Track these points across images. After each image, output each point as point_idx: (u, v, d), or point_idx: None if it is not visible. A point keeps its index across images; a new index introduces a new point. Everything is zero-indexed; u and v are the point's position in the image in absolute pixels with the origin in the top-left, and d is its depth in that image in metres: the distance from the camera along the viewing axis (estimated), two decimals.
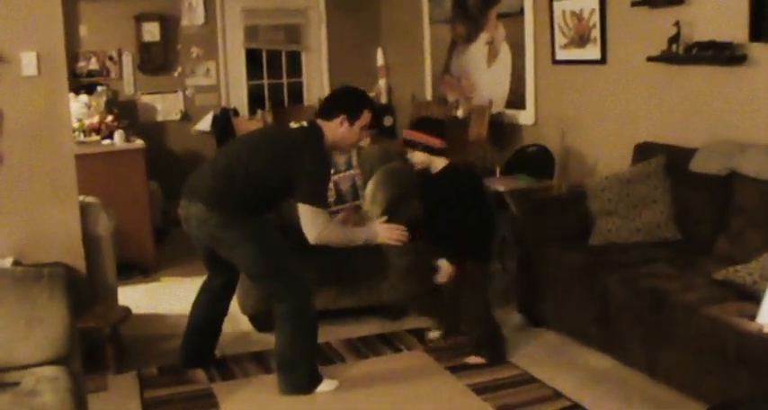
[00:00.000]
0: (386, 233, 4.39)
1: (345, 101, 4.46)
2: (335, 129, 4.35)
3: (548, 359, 4.74)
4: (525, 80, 6.95)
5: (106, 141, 6.73)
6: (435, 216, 4.72)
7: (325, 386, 4.39)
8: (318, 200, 4.22)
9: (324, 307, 4.99)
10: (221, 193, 4.28)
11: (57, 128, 4.44)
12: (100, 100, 7.35)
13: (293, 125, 4.46)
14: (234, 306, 4.93)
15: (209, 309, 4.72)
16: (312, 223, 4.16)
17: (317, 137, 4.33)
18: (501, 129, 7.20)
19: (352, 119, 4.37)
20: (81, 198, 4.69)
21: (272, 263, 4.29)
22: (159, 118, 8.64)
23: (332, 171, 4.98)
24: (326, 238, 4.21)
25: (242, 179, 4.26)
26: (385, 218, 4.60)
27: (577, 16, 6.20)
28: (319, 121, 4.41)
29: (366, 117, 4.42)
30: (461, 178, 4.70)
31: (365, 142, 6.79)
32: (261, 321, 5.20)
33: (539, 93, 6.83)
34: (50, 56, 4.37)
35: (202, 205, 4.28)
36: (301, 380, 4.36)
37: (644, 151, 5.28)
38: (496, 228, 4.97)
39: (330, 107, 4.45)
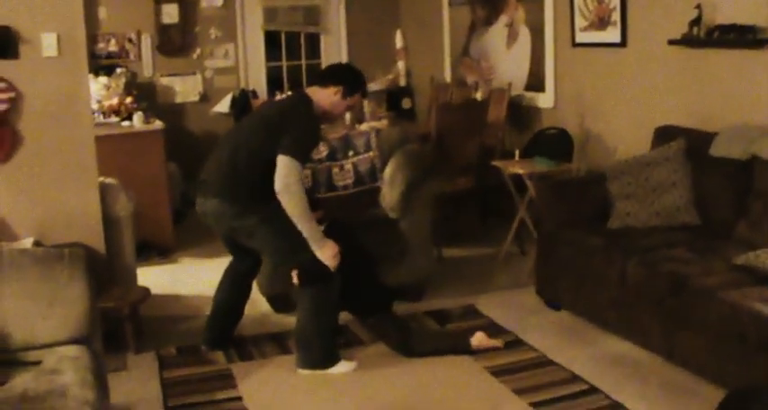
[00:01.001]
0: (329, 252, 4.29)
1: (348, 75, 4.58)
2: (328, 97, 4.45)
3: (565, 342, 4.74)
4: (545, 63, 6.91)
5: (125, 123, 6.75)
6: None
7: (343, 367, 4.42)
8: (298, 153, 4.21)
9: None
10: (230, 183, 4.35)
11: (76, 109, 4.46)
12: (119, 81, 7.37)
13: (279, 97, 4.52)
14: (252, 287, 4.94)
15: (234, 292, 4.79)
16: (286, 174, 4.16)
17: (306, 104, 4.41)
18: (520, 112, 7.18)
19: (347, 93, 4.50)
20: (100, 179, 4.71)
21: (290, 246, 4.31)
22: (178, 99, 8.64)
23: (320, 141, 4.97)
24: (291, 195, 4.16)
25: (245, 164, 4.32)
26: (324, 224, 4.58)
27: None
28: (311, 89, 4.52)
29: (356, 99, 4.59)
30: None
31: (382, 124, 6.80)
32: (279, 302, 5.22)
33: (558, 75, 6.80)
34: (70, 37, 4.40)
35: (215, 199, 4.37)
36: (317, 357, 4.40)
37: (664, 135, 5.25)
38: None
39: (330, 75, 4.58)
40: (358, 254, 4.71)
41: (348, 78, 4.53)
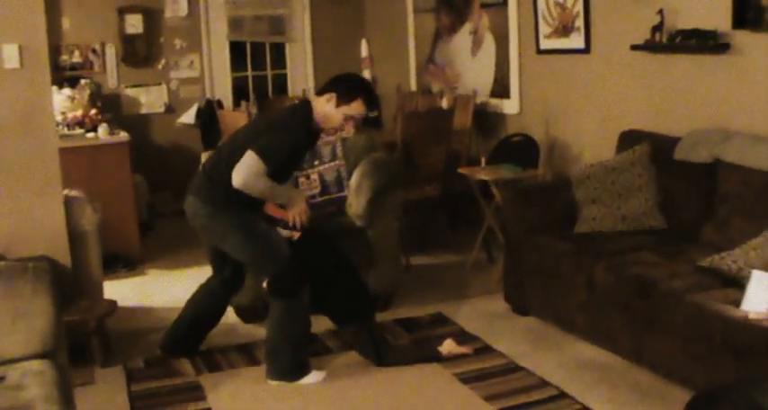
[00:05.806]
0: (297, 208, 4.36)
1: (344, 83, 4.42)
2: (322, 106, 4.33)
3: (534, 347, 4.75)
4: (510, 70, 6.95)
5: (90, 134, 6.71)
6: None
7: (313, 377, 4.40)
8: (266, 153, 4.12)
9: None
10: (207, 182, 4.35)
11: (40, 121, 4.41)
12: (83, 93, 7.32)
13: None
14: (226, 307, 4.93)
15: (203, 303, 4.78)
16: (247, 169, 4.10)
17: (302, 110, 4.35)
18: (486, 119, 7.20)
19: (341, 101, 4.31)
20: (65, 191, 4.67)
21: (260, 253, 4.31)
22: (143, 110, 8.60)
23: (299, 149, 4.49)
24: (251, 186, 4.14)
25: (226, 163, 4.24)
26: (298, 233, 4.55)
27: (561, 5, 6.20)
28: (313, 97, 4.46)
29: (356, 107, 4.34)
30: None
31: (349, 132, 6.79)
32: (247, 313, 5.20)
33: (523, 82, 6.83)
34: (33, 48, 4.35)
35: (193, 197, 4.37)
36: (286, 368, 4.38)
37: (629, 139, 5.28)
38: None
39: (329, 83, 4.44)
40: (340, 261, 4.67)
41: (342, 86, 4.36)
